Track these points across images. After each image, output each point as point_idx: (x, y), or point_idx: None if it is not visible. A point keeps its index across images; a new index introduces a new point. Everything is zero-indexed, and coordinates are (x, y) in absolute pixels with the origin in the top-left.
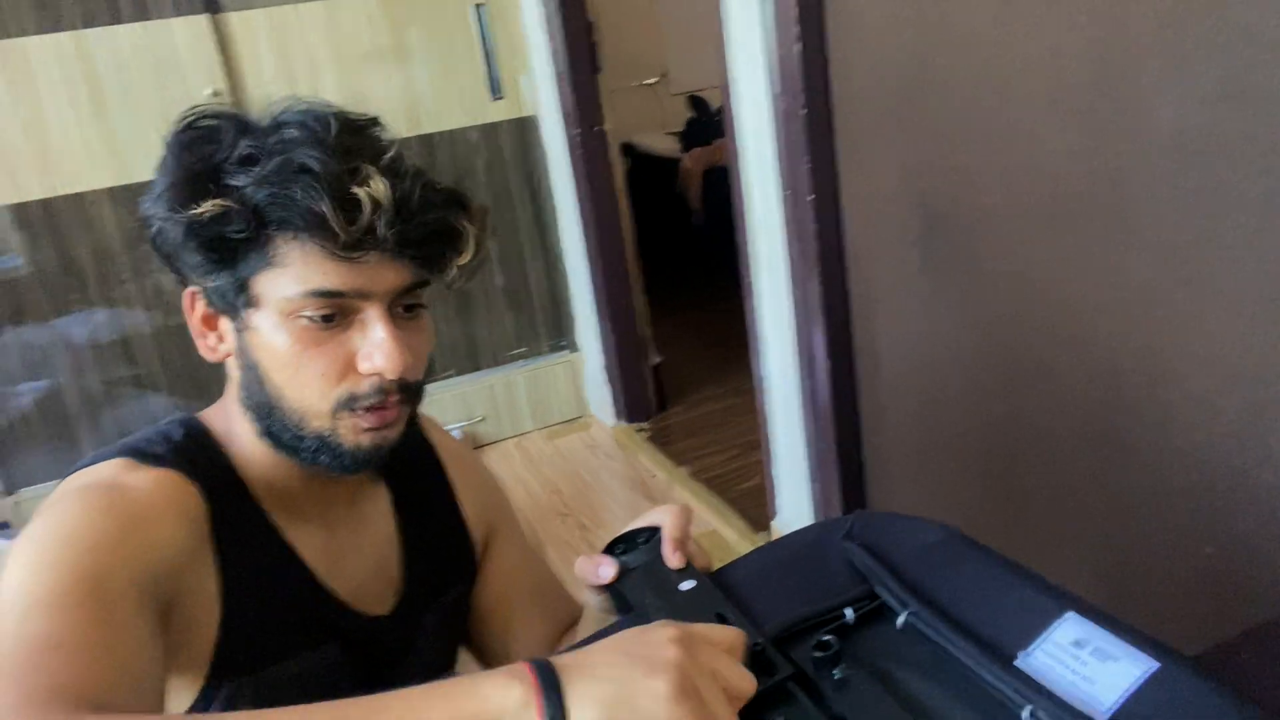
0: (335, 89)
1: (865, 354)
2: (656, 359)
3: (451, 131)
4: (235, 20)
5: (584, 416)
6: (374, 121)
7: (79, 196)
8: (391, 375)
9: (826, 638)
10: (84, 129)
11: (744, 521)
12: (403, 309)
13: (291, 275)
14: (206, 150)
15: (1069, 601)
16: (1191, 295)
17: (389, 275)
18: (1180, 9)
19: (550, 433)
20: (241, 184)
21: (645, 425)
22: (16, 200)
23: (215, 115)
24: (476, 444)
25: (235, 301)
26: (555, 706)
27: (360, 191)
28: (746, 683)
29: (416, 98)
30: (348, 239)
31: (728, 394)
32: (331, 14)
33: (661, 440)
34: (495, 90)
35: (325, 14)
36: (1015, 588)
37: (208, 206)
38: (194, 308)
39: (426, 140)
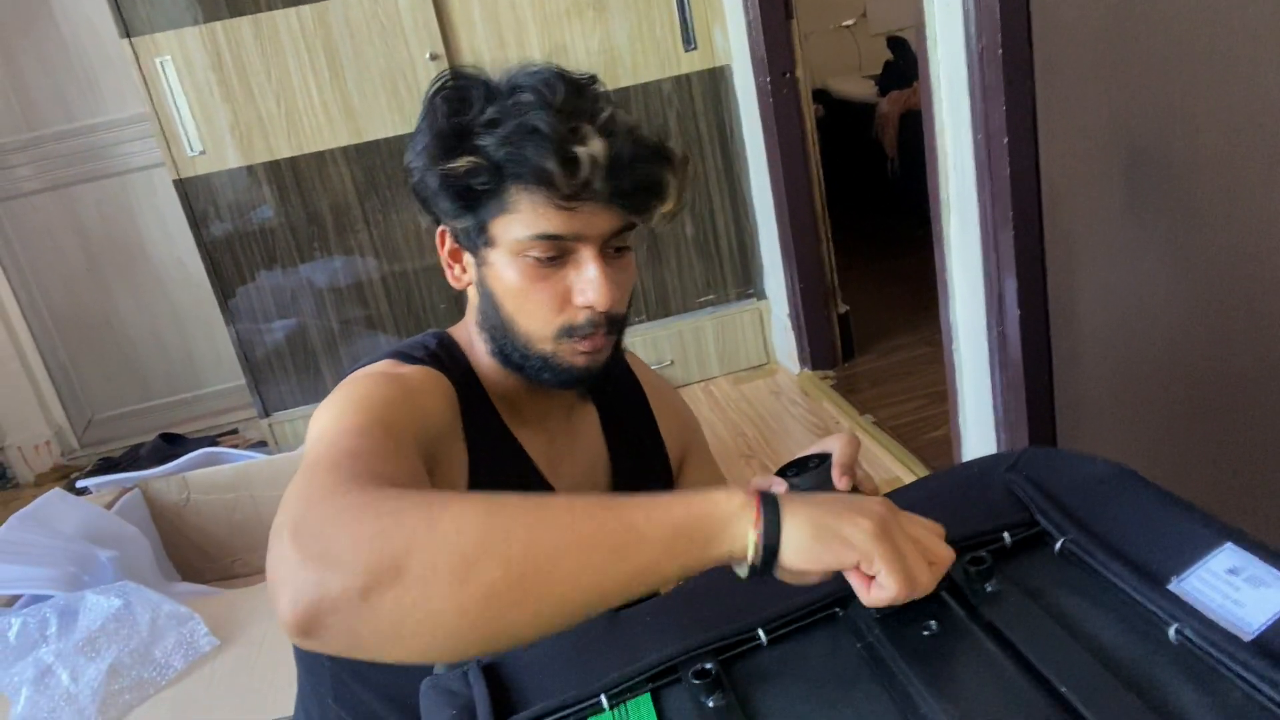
0: (538, 47)
1: (1060, 302)
2: (843, 308)
3: (645, 84)
4: None
5: (770, 363)
6: (593, 79)
7: (320, 155)
8: (601, 308)
9: (981, 554)
10: (323, 93)
11: (929, 471)
12: (613, 250)
13: (521, 220)
14: (458, 112)
15: (1230, 533)
16: None
17: (601, 221)
18: None
19: (736, 378)
20: (486, 143)
21: (830, 373)
22: (269, 159)
23: (465, 78)
24: None
25: (476, 240)
26: (773, 512)
27: (580, 150)
28: (945, 551)
29: (614, 52)
30: (568, 191)
31: (917, 343)
32: None
33: (847, 388)
34: (689, 41)
35: None
36: (1175, 520)
37: (462, 163)
38: (444, 243)
39: (622, 94)
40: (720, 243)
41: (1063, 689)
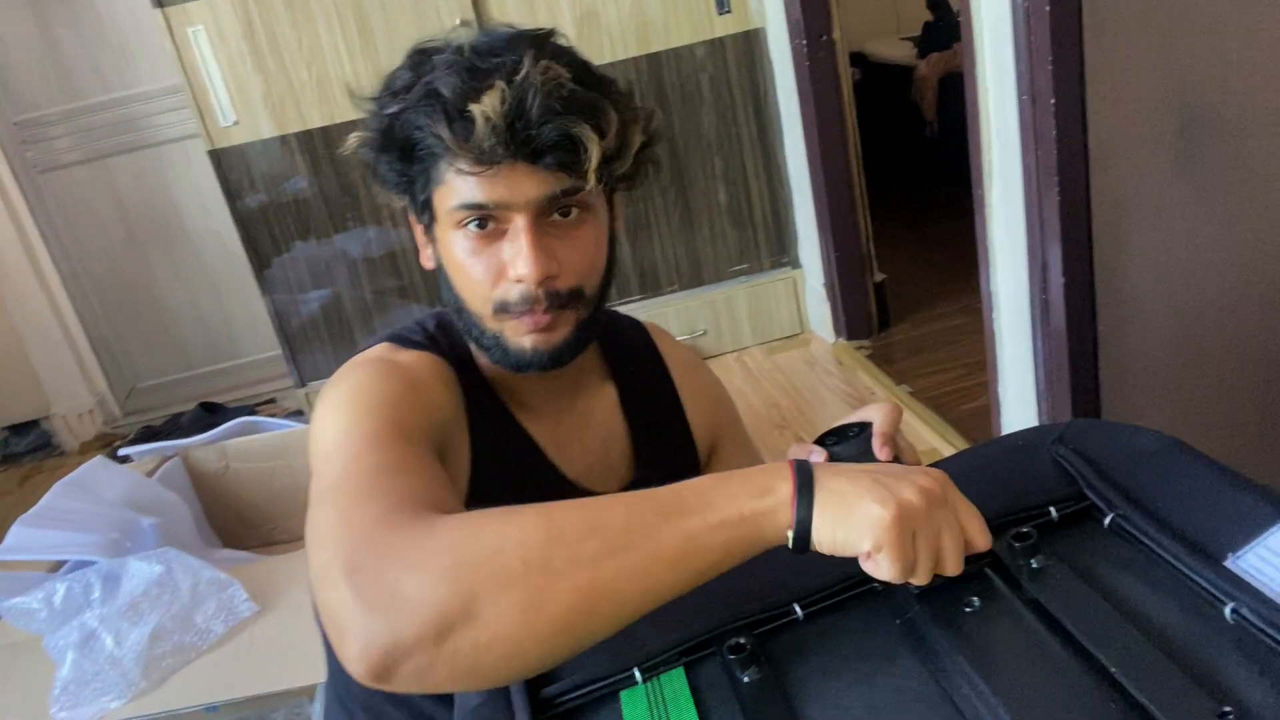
0: (569, 11)
1: (1106, 269)
2: (879, 277)
3: (678, 49)
4: None
5: (804, 333)
6: (549, 33)
7: (352, 124)
8: (532, 282)
9: (1026, 529)
10: (354, 62)
11: (966, 443)
12: (559, 215)
13: (447, 192)
14: (385, 83)
15: None
16: None
17: (529, 186)
18: None
19: (770, 348)
20: (393, 111)
21: (866, 343)
22: (301, 128)
23: (416, 50)
24: None
25: (423, 217)
26: (805, 509)
27: (474, 109)
28: (954, 564)
29: (645, 16)
30: (470, 155)
31: (955, 313)
32: None
33: (882, 358)
34: (722, 4)
35: None
36: (1232, 495)
37: (351, 139)
38: (414, 223)
39: (654, 59)
40: (754, 210)
41: (1112, 669)
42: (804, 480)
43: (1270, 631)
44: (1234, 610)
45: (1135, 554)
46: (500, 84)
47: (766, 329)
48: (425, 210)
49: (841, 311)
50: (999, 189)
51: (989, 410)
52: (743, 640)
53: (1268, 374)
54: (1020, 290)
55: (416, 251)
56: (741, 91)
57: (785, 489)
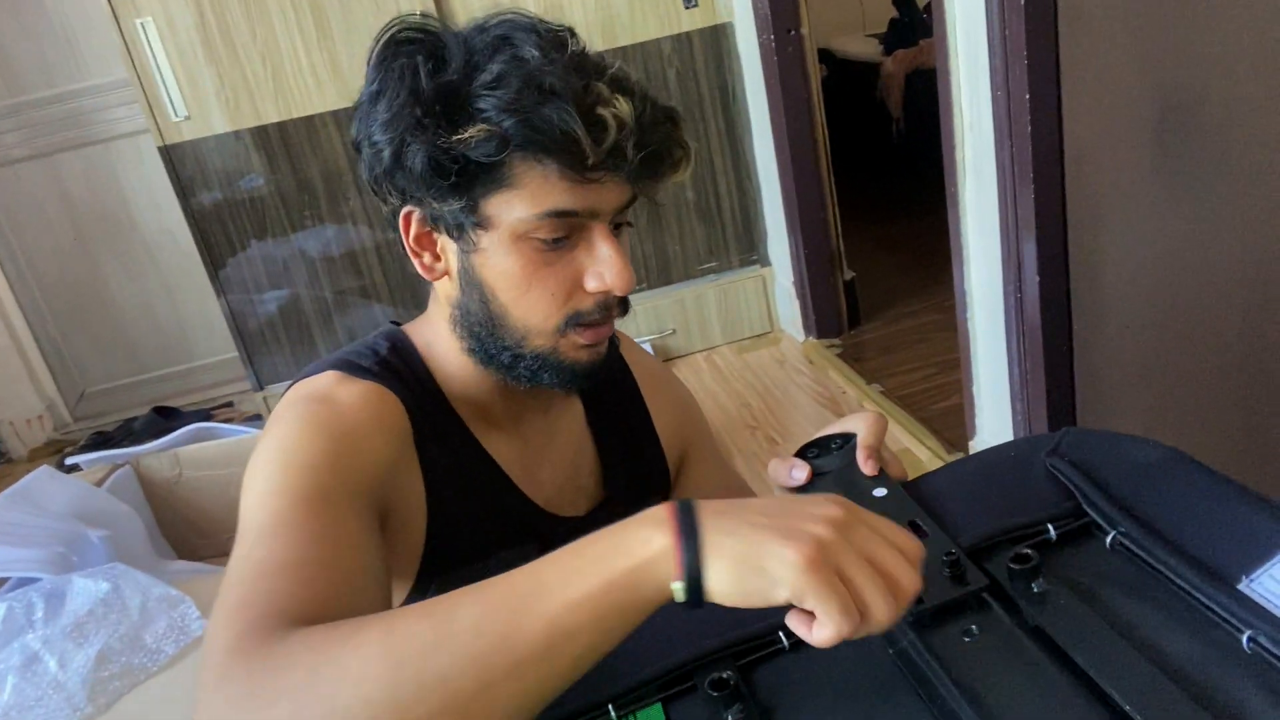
0: (534, 5)
1: (1082, 265)
2: (849, 274)
3: (644, 44)
4: None
5: (774, 331)
6: (571, 32)
7: (309, 119)
8: (621, 292)
9: (1025, 550)
10: (311, 55)
11: (939, 442)
12: (613, 226)
13: (526, 197)
14: (439, 71)
15: None
16: None
17: (615, 193)
18: None
19: (739, 347)
20: (489, 108)
21: (836, 341)
22: (256, 124)
23: (428, 31)
24: (666, 357)
25: (464, 223)
26: (693, 556)
27: (605, 112)
28: (906, 578)
29: (611, 9)
30: (594, 160)
31: (926, 310)
32: None
33: (853, 357)
34: None
35: None
36: (1242, 511)
37: (473, 132)
38: (409, 228)
39: (620, 53)
40: (722, 208)
41: (1125, 706)
42: (687, 523)
43: None
44: (1251, 639)
45: (1141, 576)
46: (603, 86)
47: (736, 328)
48: (469, 214)
49: (811, 309)
50: (972, 186)
51: (962, 409)
52: (725, 675)
53: (1244, 372)
54: (994, 288)
55: (378, 250)
56: (709, 87)
57: (663, 538)
